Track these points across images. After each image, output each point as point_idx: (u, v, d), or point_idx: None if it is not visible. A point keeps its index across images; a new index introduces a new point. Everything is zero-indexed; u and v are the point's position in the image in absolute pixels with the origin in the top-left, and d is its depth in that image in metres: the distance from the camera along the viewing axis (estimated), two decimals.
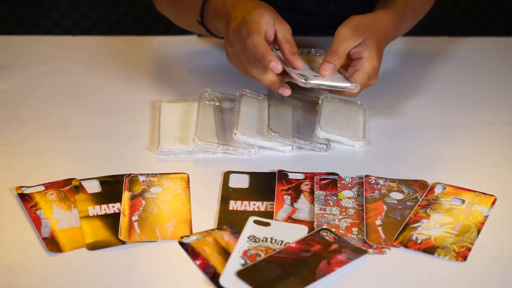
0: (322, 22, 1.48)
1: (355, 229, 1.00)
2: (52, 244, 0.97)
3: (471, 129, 1.22)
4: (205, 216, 1.03)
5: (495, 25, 2.30)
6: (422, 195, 1.06)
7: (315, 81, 1.09)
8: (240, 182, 1.09)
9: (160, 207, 1.04)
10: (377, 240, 0.98)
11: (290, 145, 1.15)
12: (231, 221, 1.01)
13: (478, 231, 1.00)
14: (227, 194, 1.07)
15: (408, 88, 1.33)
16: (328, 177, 1.09)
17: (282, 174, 1.10)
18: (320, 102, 1.23)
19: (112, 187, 1.07)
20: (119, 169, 1.10)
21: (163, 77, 1.36)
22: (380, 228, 1.00)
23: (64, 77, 1.37)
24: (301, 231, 0.99)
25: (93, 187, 1.07)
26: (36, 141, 1.19)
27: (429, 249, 0.97)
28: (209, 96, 1.25)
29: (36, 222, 1.01)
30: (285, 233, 0.98)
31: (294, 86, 1.14)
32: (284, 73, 1.13)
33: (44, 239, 0.98)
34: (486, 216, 1.02)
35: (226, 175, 1.10)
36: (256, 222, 1.00)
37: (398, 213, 1.02)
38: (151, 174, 1.09)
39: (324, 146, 1.16)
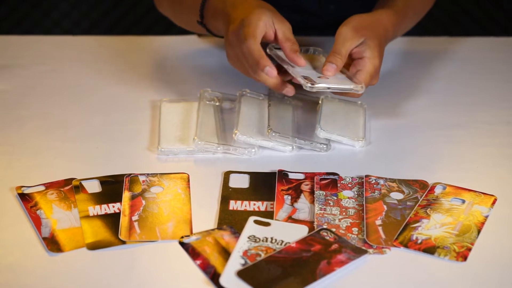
0: (322, 22, 1.48)
1: (355, 229, 1.00)
2: (52, 244, 0.97)
3: (471, 129, 1.22)
4: (205, 216, 1.03)
5: (495, 25, 2.29)
6: (422, 195, 1.06)
7: (321, 85, 1.10)
8: (240, 182, 1.09)
9: (160, 207, 1.04)
10: (377, 240, 0.98)
11: (290, 145, 1.15)
12: (231, 221, 1.01)
13: (478, 231, 1.00)
14: (227, 194, 1.07)
15: (408, 88, 1.33)
16: (328, 177, 1.09)
17: (282, 174, 1.10)
18: (320, 102, 1.23)
19: (112, 187, 1.07)
20: (119, 169, 1.10)
21: (163, 77, 1.36)
22: (380, 228, 1.00)
23: (64, 77, 1.37)
24: (301, 231, 0.99)
25: (93, 187, 1.07)
26: (36, 141, 1.19)
27: (429, 249, 0.97)
28: (209, 96, 1.25)
29: (36, 222, 1.01)
30: (285, 233, 0.98)
31: (295, 86, 1.15)
32: (284, 72, 1.14)
33: (44, 239, 0.98)
34: (486, 216, 1.02)
35: (226, 175, 1.10)
36: (256, 222, 1.00)
37: (398, 213, 1.02)
38: (151, 174, 1.09)
39: (324, 146, 1.16)
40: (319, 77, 1.12)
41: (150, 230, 1.00)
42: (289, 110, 1.23)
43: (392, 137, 1.20)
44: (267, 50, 1.16)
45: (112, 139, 1.19)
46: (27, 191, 1.06)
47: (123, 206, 1.03)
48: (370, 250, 0.96)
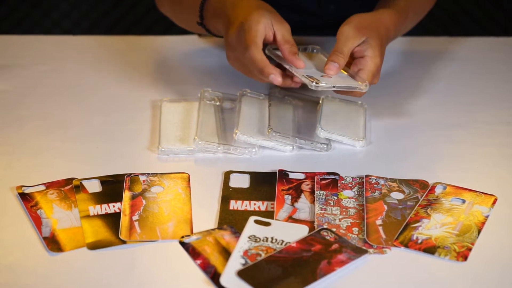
0: (322, 22, 1.48)
1: (355, 229, 1.00)
2: (53, 243, 0.97)
3: (472, 129, 1.22)
4: (206, 216, 1.03)
5: (495, 25, 2.30)
6: (422, 195, 1.06)
7: (326, 84, 1.10)
8: (240, 181, 1.09)
9: (161, 206, 1.04)
10: (378, 240, 0.98)
11: (290, 145, 1.15)
12: (231, 221, 1.01)
13: (479, 231, 1.00)
14: (228, 193, 1.07)
15: (408, 88, 1.33)
16: (328, 177, 1.09)
17: (283, 174, 1.10)
18: (320, 102, 1.23)
19: (112, 187, 1.07)
20: (119, 168, 1.10)
21: (163, 77, 1.36)
22: (380, 228, 1.00)
23: (64, 77, 1.37)
24: (302, 231, 0.99)
25: (94, 186, 1.07)
26: (36, 141, 1.19)
27: (430, 249, 0.97)
28: (210, 95, 1.25)
29: (37, 221, 1.01)
30: (286, 232, 0.98)
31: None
32: (285, 70, 1.14)
33: (45, 238, 0.98)
34: (487, 216, 1.02)
35: (227, 175, 1.10)
36: (256, 221, 1.00)
37: (399, 213, 1.02)
38: (151, 173, 1.09)
39: (325, 146, 1.16)
40: (321, 76, 1.12)
41: (151, 230, 1.00)
42: (289, 110, 1.23)
43: (392, 137, 1.20)
44: (266, 51, 1.16)
45: (113, 139, 1.19)
46: (27, 190, 1.06)
47: (123, 205, 1.03)
48: (371, 250, 0.96)
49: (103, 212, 1.03)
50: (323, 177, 1.09)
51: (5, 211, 1.03)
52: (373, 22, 1.17)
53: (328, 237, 0.97)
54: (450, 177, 1.09)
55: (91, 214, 1.02)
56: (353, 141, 1.17)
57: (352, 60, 1.16)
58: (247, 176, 1.10)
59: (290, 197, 1.06)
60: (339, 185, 1.08)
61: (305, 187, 1.07)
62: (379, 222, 1.01)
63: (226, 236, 0.98)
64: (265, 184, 1.08)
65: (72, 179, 1.08)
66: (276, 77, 1.11)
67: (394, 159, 1.15)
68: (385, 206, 1.04)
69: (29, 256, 0.96)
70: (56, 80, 1.36)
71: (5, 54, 1.44)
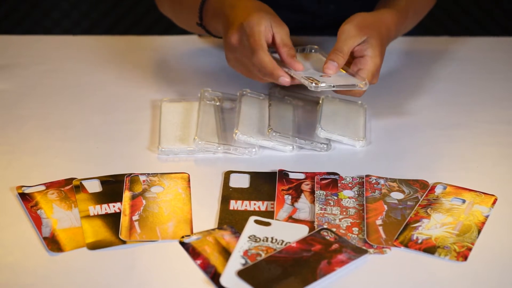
0: (322, 22, 1.48)
1: (355, 229, 1.00)
2: (53, 243, 0.97)
3: (472, 129, 1.22)
4: (206, 216, 1.03)
5: (495, 25, 2.30)
6: (422, 195, 1.06)
7: (325, 84, 1.10)
8: (240, 181, 1.09)
9: (161, 206, 1.04)
10: (378, 240, 0.98)
11: (290, 144, 1.15)
12: (231, 221, 1.01)
13: (479, 231, 1.00)
14: (228, 193, 1.07)
15: (408, 88, 1.33)
16: (328, 176, 1.09)
17: (283, 174, 1.10)
18: (320, 102, 1.23)
19: (112, 187, 1.07)
20: (119, 168, 1.10)
21: (163, 76, 1.36)
22: (380, 228, 1.00)
23: (64, 77, 1.37)
24: (302, 231, 0.99)
25: (94, 186, 1.07)
26: (36, 140, 1.19)
27: (430, 249, 0.97)
28: (210, 95, 1.25)
29: (37, 221, 1.01)
30: (286, 232, 0.98)
31: (296, 85, 1.15)
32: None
33: (45, 238, 0.98)
34: (487, 216, 1.02)
35: (227, 175, 1.10)
36: (256, 221, 1.00)
37: (399, 213, 1.02)
38: (151, 173, 1.09)
39: (325, 146, 1.16)
40: (321, 76, 1.12)
41: (151, 230, 1.00)
42: (289, 110, 1.23)
43: (392, 137, 1.20)
44: None
45: (113, 139, 1.19)
46: (27, 190, 1.06)
47: (123, 205, 1.03)
48: (371, 250, 0.96)
49: (103, 212, 1.03)
50: (323, 177, 1.09)
51: (5, 211, 1.03)
52: (374, 22, 1.17)
53: (328, 237, 0.97)
54: (450, 177, 1.09)
55: (91, 214, 1.02)
56: (353, 141, 1.17)
57: (352, 60, 1.16)
58: (247, 176, 1.10)
59: (290, 197, 1.06)
60: (339, 185, 1.08)
61: (305, 187, 1.07)
62: (379, 222, 1.01)
63: (226, 236, 0.98)
64: (265, 184, 1.08)
65: (72, 179, 1.08)
66: (285, 79, 1.11)
67: (394, 159, 1.15)
68: (385, 206, 1.04)
69: (29, 256, 0.96)
70: (56, 80, 1.36)
71: (5, 54, 1.44)
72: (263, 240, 0.97)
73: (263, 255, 0.94)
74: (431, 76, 1.38)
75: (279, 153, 1.15)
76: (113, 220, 1.01)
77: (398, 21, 1.22)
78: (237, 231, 0.99)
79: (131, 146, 1.18)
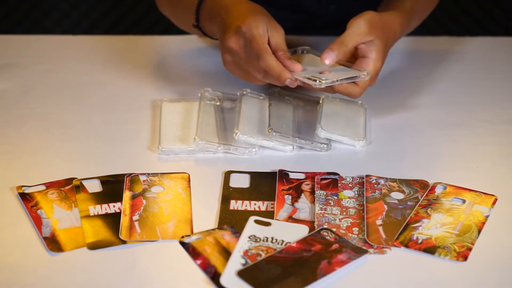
0: (322, 22, 1.48)
1: (355, 229, 1.00)
2: (53, 243, 0.97)
3: (472, 129, 1.22)
4: (206, 216, 1.03)
5: (495, 25, 2.30)
6: (422, 195, 1.06)
7: (328, 80, 1.09)
8: (240, 181, 1.09)
9: (161, 206, 1.04)
10: (378, 240, 0.98)
11: (291, 144, 1.15)
12: (231, 221, 1.01)
13: (479, 231, 1.00)
14: (228, 193, 1.07)
15: (408, 88, 1.33)
16: (328, 176, 1.09)
17: (283, 174, 1.10)
18: (321, 101, 1.23)
19: (112, 187, 1.07)
20: (119, 168, 1.10)
21: (163, 76, 1.36)
22: (380, 228, 1.00)
23: (64, 77, 1.37)
24: (302, 231, 0.99)
25: (94, 186, 1.07)
26: (36, 140, 1.19)
27: (430, 249, 0.97)
28: (210, 95, 1.25)
29: (37, 221, 1.01)
30: (286, 232, 0.98)
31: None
32: None
33: (45, 238, 0.98)
34: (487, 216, 1.02)
35: (227, 175, 1.10)
36: (256, 221, 1.00)
37: (399, 213, 1.02)
38: (152, 173, 1.09)
39: (325, 146, 1.16)
40: (320, 72, 1.12)
41: (151, 230, 1.00)
42: (289, 110, 1.23)
43: (392, 136, 1.20)
44: None
45: (113, 139, 1.19)
46: (27, 190, 1.06)
47: (123, 205, 1.03)
48: (371, 250, 0.96)
49: (103, 212, 1.03)
50: (323, 177, 1.09)
51: (5, 211, 1.03)
52: (383, 24, 1.16)
53: (328, 237, 0.97)
54: (450, 177, 1.09)
55: (91, 214, 1.02)
56: (353, 141, 1.17)
57: (354, 60, 1.16)
58: (247, 176, 1.10)
59: (290, 197, 1.06)
60: (339, 185, 1.08)
61: (305, 187, 1.07)
62: (379, 222, 1.01)
63: (226, 236, 0.98)
64: (265, 184, 1.08)
65: (72, 179, 1.08)
66: (292, 81, 1.11)
67: (394, 159, 1.15)
68: (385, 206, 1.04)
69: (29, 256, 0.96)
70: (56, 80, 1.36)
71: (5, 54, 1.44)
72: (263, 240, 0.97)
73: (263, 255, 0.94)
74: (431, 76, 1.38)
75: (279, 153, 1.15)
76: (113, 220, 1.01)
77: (403, 24, 1.21)
78: (237, 231, 0.99)
79: (131, 146, 1.18)
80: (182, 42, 1.47)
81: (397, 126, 1.23)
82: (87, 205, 1.03)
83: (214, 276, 0.92)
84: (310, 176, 1.09)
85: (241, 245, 0.96)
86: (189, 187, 1.08)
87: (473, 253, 0.96)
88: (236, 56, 1.14)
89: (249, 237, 0.97)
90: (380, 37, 1.14)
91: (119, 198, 1.05)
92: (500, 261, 0.96)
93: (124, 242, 0.98)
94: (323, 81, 1.09)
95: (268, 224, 0.99)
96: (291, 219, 1.02)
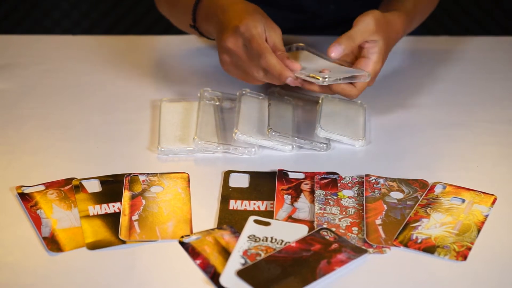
0: (322, 22, 1.48)
1: (355, 229, 1.00)
2: (52, 243, 0.97)
3: (471, 129, 1.22)
4: (205, 216, 1.03)
5: (495, 25, 2.30)
6: (422, 194, 1.06)
7: (331, 78, 1.09)
8: (240, 181, 1.09)
9: (160, 206, 1.04)
10: (377, 239, 0.98)
11: (290, 144, 1.15)
12: (231, 221, 1.01)
13: (478, 231, 1.00)
14: (227, 193, 1.07)
15: (408, 88, 1.33)
16: (328, 176, 1.09)
17: (282, 174, 1.10)
18: (320, 101, 1.23)
19: (112, 187, 1.07)
20: (119, 168, 1.10)
21: (163, 76, 1.37)
22: (380, 228, 1.00)
23: (64, 77, 1.37)
24: (301, 231, 0.99)
25: (94, 186, 1.07)
26: (36, 140, 1.19)
27: (429, 249, 0.97)
28: (209, 95, 1.25)
29: (36, 221, 1.01)
30: (285, 232, 0.98)
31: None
32: None
33: (44, 238, 0.98)
34: (486, 216, 1.02)
35: (226, 175, 1.10)
36: (256, 221, 1.00)
37: (398, 213, 1.02)
38: (151, 173, 1.09)
39: (324, 146, 1.16)
40: (320, 71, 1.12)
41: (150, 230, 1.00)
42: (289, 110, 1.23)
43: (392, 136, 1.20)
44: None
45: (112, 139, 1.19)
46: (27, 190, 1.06)
47: (123, 205, 1.03)
48: (370, 250, 0.96)
49: (103, 212, 1.03)
50: (322, 176, 1.09)
51: (5, 211, 1.03)
52: (388, 24, 1.15)
53: (327, 237, 0.97)
54: (449, 176, 1.09)
55: (91, 214, 1.02)
56: (352, 140, 1.17)
57: (355, 59, 1.16)
58: (246, 176, 1.10)
59: (289, 196, 1.06)
60: (338, 184, 1.08)
61: (305, 186, 1.07)
62: (378, 221, 1.01)
63: (225, 236, 0.98)
64: (265, 184, 1.08)
65: (72, 179, 1.08)
66: (293, 80, 1.11)
67: (394, 159, 1.15)
68: (385, 206, 1.04)
69: (29, 256, 0.96)
70: (56, 80, 1.36)
71: (5, 54, 1.44)
72: (262, 240, 0.97)
73: (263, 255, 0.94)
74: (431, 76, 1.38)
75: (278, 152, 1.15)
76: (112, 220, 1.01)
77: (405, 25, 1.21)
78: (236, 231, 0.99)
79: (131, 146, 1.18)
80: (182, 42, 1.47)
81: (396, 126, 1.23)
82: (86, 205, 1.03)
83: (214, 276, 0.92)
84: (310, 175, 1.09)
85: (241, 245, 0.96)
86: (189, 187, 1.08)
87: (473, 253, 0.96)
88: (234, 56, 1.14)
89: (248, 237, 0.97)
90: (384, 38, 1.14)
91: (118, 198, 1.05)
92: (500, 261, 0.96)
93: (123, 242, 0.98)
94: (326, 79, 1.09)
95: (267, 224, 1.00)
96: (290, 218, 1.02)
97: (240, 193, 1.07)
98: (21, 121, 1.23)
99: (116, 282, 0.93)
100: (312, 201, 1.05)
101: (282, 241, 0.97)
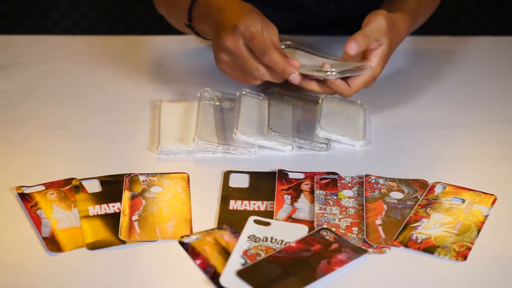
0: (322, 22, 1.48)
1: (355, 229, 1.00)
2: (52, 243, 0.97)
3: (471, 128, 1.22)
4: (205, 216, 1.03)
5: (495, 25, 2.30)
6: (422, 194, 1.06)
7: (338, 70, 1.09)
8: (240, 181, 1.09)
9: (160, 206, 1.04)
10: (377, 239, 0.98)
11: (290, 144, 1.15)
12: (231, 221, 1.01)
13: (478, 231, 1.00)
14: (227, 193, 1.07)
15: (408, 88, 1.33)
16: (328, 176, 1.09)
17: (282, 174, 1.10)
18: (320, 101, 1.23)
19: (112, 187, 1.07)
20: (119, 168, 1.10)
21: (163, 76, 1.37)
22: (380, 228, 1.00)
23: (64, 77, 1.37)
24: (301, 231, 0.99)
25: (93, 186, 1.07)
26: (36, 140, 1.19)
27: (429, 249, 0.97)
28: (209, 95, 1.25)
29: (36, 221, 1.01)
30: (285, 232, 0.98)
31: (293, 85, 1.15)
32: None
33: (44, 238, 0.98)
34: (486, 216, 1.02)
35: (226, 175, 1.10)
36: (256, 221, 1.00)
37: (398, 213, 1.02)
38: (151, 173, 1.09)
39: (324, 146, 1.16)
40: (320, 67, 1.12)
41: (150, 230, 1.00)
42: (289, 110, 1.23)
43: (392, 136, 1.20)
44: None
45: (112, 139, 1.19)
46: (27, 191, 1.06)
47: (123, 206, 1.03)
48: (370, 250, 0.96)
49: (103, 212, 1.03)
50: (322, 176, 1.09)
51: (5, 211, 1.03)
52: (394, 28, 1.15)
53: (327, 237, 0.97)
54: (449, 176, 1.09)
55: (91, 214, 1.02)
56: (352, 140, 1.17)
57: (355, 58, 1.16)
58: (246, 176, 1.10)
59: (289, 197, 1.06)
60: (338, 184, 1.08)
61: (305, 186, 1.07)
62: (378, 221, 1.01)
63: (225, 236, 0.98)
64: (265, 184, 1.08)
65: (72, 179, 1.08)
66: (296, 76, 1.10)
67: (394, 159, 1.15)
68: (385, 206, 1.04)
69: (29, 256, 0.96)
70: (56, 80, 1.36)
71: (5, 54, 1.44)
72: (262, 240, 0.97)
73: (263, 255, 0.94)
74: (431, 76, 1.38)
75: (278, 153, 1.15)
76: (112, 220, 1.01)
77: (409, 26, 1.21)
78: (236, 231, 0.99)
79: (131, 146, 1.18)
80: (182, 42, 1.47)
81: (396, 126, 1.23)
82: (86, 205, 1.03)
83: (214, 276, 0.92)
84: (310, 176, 1.09)
85: (241, 245, 0.96)
86: (189, 187, 1.08)
87: (473, 253, 0.96)
88: (232, 56, 1.13)
89: (248, 237, 0.97)
90: (388, 40, 1.13)
91: (118, 198, 1.05)
92: (500, 261, 0.96)
93: (123, 242, 0.98)
94: (334, 72, 1.09)
95: (267, 224, 1.00)
96: (290, 219, 1.02)
97: (240, 193, 1.07)
98: (21, 121, 1.23)
99: (116, 282, 0.93)
100: (312, 201, 1.05)
101: (282, 241, 0.96)
